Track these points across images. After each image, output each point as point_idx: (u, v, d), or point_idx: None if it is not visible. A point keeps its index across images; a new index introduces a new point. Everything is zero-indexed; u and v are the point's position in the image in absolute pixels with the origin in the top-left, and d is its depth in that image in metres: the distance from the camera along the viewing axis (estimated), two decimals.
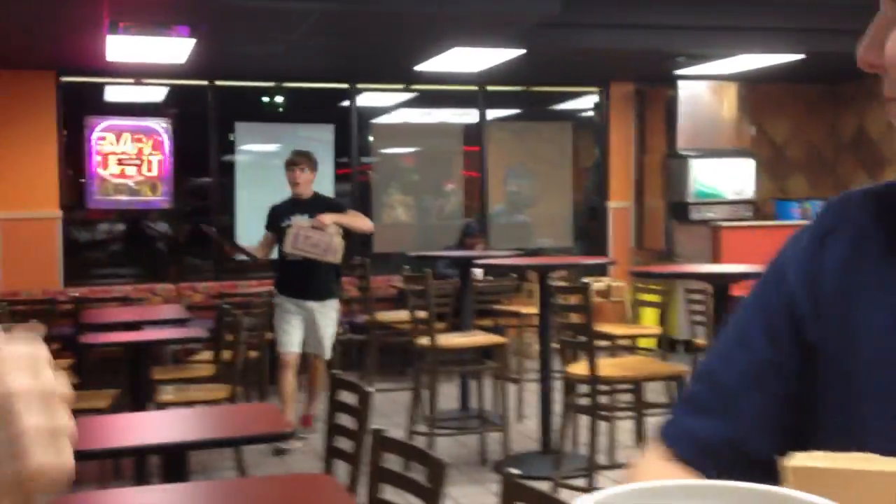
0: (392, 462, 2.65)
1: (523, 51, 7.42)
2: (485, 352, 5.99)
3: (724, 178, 8.90)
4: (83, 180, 8.29)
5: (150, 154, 8.33)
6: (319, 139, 9.12)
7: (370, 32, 6.97)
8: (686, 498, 0.59)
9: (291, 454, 5.46)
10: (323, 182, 9.01)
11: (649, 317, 7.59)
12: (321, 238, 5.63)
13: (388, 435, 2.67)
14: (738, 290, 4.54)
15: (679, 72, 8.69)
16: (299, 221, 5.67)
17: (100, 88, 8.66)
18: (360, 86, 9.10)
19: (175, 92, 8.82)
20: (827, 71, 9.23)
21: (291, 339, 5.77)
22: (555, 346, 5.27)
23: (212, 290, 8.07)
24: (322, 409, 5.08)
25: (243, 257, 6.38)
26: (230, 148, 8.94)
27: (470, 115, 9.72)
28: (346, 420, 3.15)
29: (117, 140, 8.26)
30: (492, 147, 9.53)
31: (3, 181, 7.89)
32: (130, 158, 8.28)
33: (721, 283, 4.21)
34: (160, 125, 8.41)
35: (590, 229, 9.97)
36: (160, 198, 8.37)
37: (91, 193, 8.24)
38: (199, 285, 8.25)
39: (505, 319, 7.01)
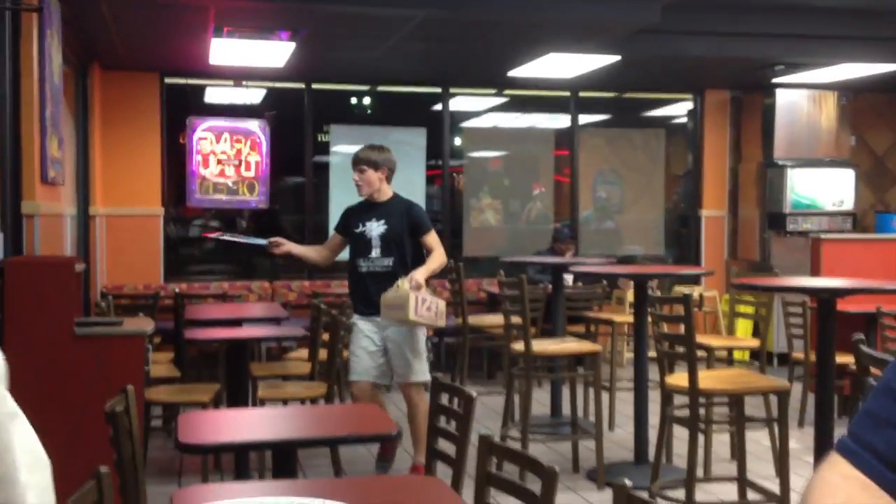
0: (495, 467, 2.67)
1: (618, 57, 7.38)
2: (576, 358, 5.98)
3: (823, 188, 8.70)
4: (184, 179, 8.53)
5: (248, 155, 8.53)
6: (411, 142, 9.22)
7: (467, 38, 7.02)
8: None
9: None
10: (415, 184, 9.12)
11: (742, 328, 7.47)
12: (432, 300, 4.89)
13: (496, 441, 2.69)
14: (844, 305, 4.45)
15: (777, 80, 8.53)
16: (406, 288, 4.78)
17: (201, 90, 8.91)
18: (452, 90, 9.17)
19: (272, 94, 9.02)
20: None
21: (362, 365, 5.01)
22: (650, 355, 5.24)
23: (305, 289, 8.23)
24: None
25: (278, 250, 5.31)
26: (324, 149, 9.10)
27: (561, 120, 9.70)
28: (441, 422, 3.18)
29: (217, 140, 8.48)
30: (583, 153, 9.49)
31: (110, 179, 8.17)
32: (229, 158, 8.49)
33: (828, 298, 4.12)
34: (258, 126, 8.60)
35: (681, 237, 9.85)
36: (257, 198, 8.56)
37: (191, 192, 8.47)
38: (293, 283, 8.41)
39: (596, 326, 6.97)
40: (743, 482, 4.20)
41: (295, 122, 8.84)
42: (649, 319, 5.05)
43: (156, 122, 8.37)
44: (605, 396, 6.10)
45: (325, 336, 5.42)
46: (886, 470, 0.87)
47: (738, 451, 4.25)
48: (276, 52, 7.13)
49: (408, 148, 9.23)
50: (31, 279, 4.17)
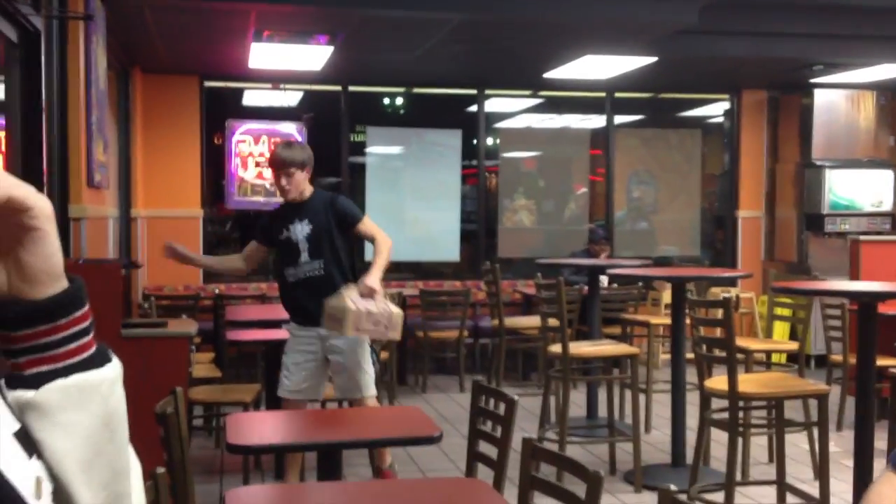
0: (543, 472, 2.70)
1: (655, 58, 7.37)
2: (611, 360, 5.99)
3: (862, 189, 8.63)
4: (223, 181, 8.64)
5: None
6: (447, 144, 9.27)
7: (503, 40, 7.05)
8: None
9: (422, 458, 5.57)
10: (449, 185, 9.17)
11: (779, 330, 7.43)
12: (380, 311, 4.19)
13: (539, 444, 2.72)
14: (883, 308, 4.42)
15: (815, 80, 8.48)
16: (352, 296, 4.19)
17: (240, 93, 9.02)
18: (488, 92, 9.20)
19: (309, 96, 9.10)
20: None
21: (294, 382, 4.43)
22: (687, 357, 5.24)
23: None
24: (391, 459, 4.64)
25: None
26: (360, 150, 9.17)
27: (596, 121, 9.70)
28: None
29: (255, 142, 8.57)
30: (618, 153, 9.48)
31: (151, 181, 8.30)
32: (266, 161, 8.58)
33: (869, 302, 4.11)
34: (295, 128, 8.69)
35: (717, 239, 9.81)
36: None
37: (230, 194, 8.58)
38: None
39: (632, 328, 6.98)
40: (782, 486, 4.20)
41: (331, 124, 8.92)
42: (687, 322, 5.06)
43: (195, 125, 8.48)
44: (640, 398, 6.10)
45: None
46: None
47: (778, 455, 4.25)
48: (314, 56, 7.20)
49: (442, 149, 9.28)
50: None
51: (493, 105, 9.48)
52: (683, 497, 2.00)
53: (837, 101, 8.79)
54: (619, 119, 9.56)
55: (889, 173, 8.75)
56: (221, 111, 8.70)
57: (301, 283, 4.44)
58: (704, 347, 4.52)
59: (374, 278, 4.27)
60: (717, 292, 7.48)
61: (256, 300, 7.54)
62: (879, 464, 4.19)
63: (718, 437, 5.23)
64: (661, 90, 9.54)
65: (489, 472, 3.13)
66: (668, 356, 6.47)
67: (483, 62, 8.08)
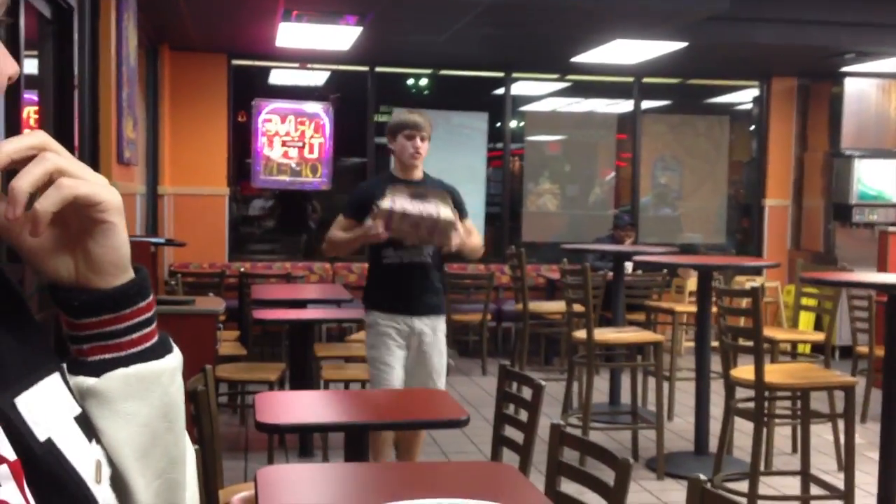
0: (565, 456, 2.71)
1: (685, 44, 7.31)
2: (635, 347, 5.98)
3: (891, 180, 8.54)
4: (249, 160, 8.67)
5: (312, 137, 8.63)
6: (473, 126, 9.25)
7: (533, 23, 7.01)
8: None
9: (444, 441, 5.59)
10: (476, 168, 9.15)
11: (804, 320, 7.39)
12: (421, 213, 3.72)
13: (567, 430, 2.73)
14: None
15: (846, 69, 8.38)
16: (396, 194, 3.78)
17: (267, 72, 9.03)
18: (515, 75, 9.16)
19: (336, 76, 9.10)
20: None
21: (396, 375, 4.05)
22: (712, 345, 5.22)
23: (366, 271, 8.31)
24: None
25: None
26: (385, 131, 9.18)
27: (622, 105, 9.65)
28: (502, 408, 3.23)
29: (282, 122, 8.59)
30: (645, 139, 9.43)
31: (178, 158, 8.34)
32: (293, 140, 8.60)
33: None
34: (322, 108, 8.69)
35: (743, 227, 9.76)
36: (320, 179, 8.66)
37: (256, 173, 8.61)
38: (353, 265, 8.51)
39: (656, 315, 6.96)
40: (806, 476, 4.19)
41: (358, 105, 8.92)
42: (713, 310, 5.04)
43: (223, 104, 8.50)
44: (664, 386, 6.09)
45: None
46: None
47: (803, 446, 4.24)
48: (342, 36, 7.19)
49: (469, 131, 9.26)
50: None
51: (519, 88, 9.45)
52: (708, 486, 1.99)
53: (868, 90, 8.70)
54: (647, 104, 9.50)
55: None
56: (248, 90, 8.72)
57: (402, 268, 4.04)
58: (730, 336, 4.51)
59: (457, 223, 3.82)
60: (743, 281, 7.44)
61: (282, 279, 7.57)
62: None
63: (742, 427, 5.23)
64: (690, 76, 9.47)
65: (513, 457, 3.14)
66: (691, 344, 6.46)
67: (511, 45, 8.05)
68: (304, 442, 5.20)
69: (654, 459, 5.02)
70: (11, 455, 0.64)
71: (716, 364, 5.23)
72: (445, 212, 3.77)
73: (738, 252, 9.49)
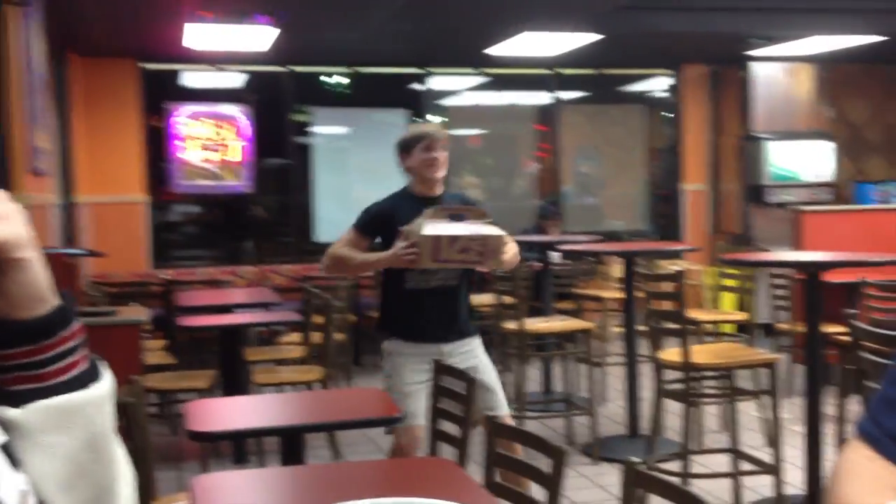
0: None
1: (598, 35, 7.41)
2: (564, 335, 6.05)
3: (802, 160, 8.80)
4: (166, 165, 8.51)
5: (231, 140, 8.51)
6: (392, 123, 9.23)
7: (447, 17, 7.03)
8: None
9: (382, 438, 5.57)
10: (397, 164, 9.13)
11: (727, 301, 7.57)
12: (469, 234, 3.41)
13: (502, 421, 2.75)
14: (827, 276, 4.53)
15: (753, 53, 8.60)
16: (433, 218, 3.45)
17: (181, 75, 8.87)
18: (432, 70, 9.18)
19: (254, 78, 8.99)
20: None
21: (413, 403, 3.63)
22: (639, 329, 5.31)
23: (294, 273, 8.25)
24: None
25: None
26: (306, 132, 9.10)
27: (541, 97, 9.74)
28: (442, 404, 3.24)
29: (199, 126, 8.45)
30: (564, 130, 9.54)
31: (92, 167, 8.14)
32: (212, 144, 8.47)
33: (814, 272, 4.21)
34: (239, 111, 8.58)
35: (663, 212, 9.95)
36: (241, 182, 8.55)
37: (174, 178, 8.45)
38: (281, 268, 8.43)
39: (584, 303, 7.05)
40: (736, 453, 4.29)
41: (276, 105, 8.83)
42: (639, 295, 5.13)
43: (135, 109, 8.33)
44: (595, 372, 6.18)
45: (318, 319, 5.45)
46: None
47: (731, 424, 4.34)
48: (258, 36, 7.10)
49: (389, 128, 9.24)
50: None
51: (437, 83, 9.47)
52: (643, 468, 2.03)
53: (776, 74, 8.94)
54: (565, 96, 9.61)
55: (828, 144, 8.94)
56: (162, 93, 8.55)
57: (427, 293, 3.71)
58: (656, 320, 4.59)
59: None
60: (665, 265, 7.58)
61: (208, 285, 7.46)
62: (829, 429, 4.31)
63: (672, 408, 5.33)
64: (606, 66, 9.61)
65: (450, 451, 3.15)
66: (619, 329, 6.56)
67: (427, 40, 8.06)
68: (238, 448, 5.13)
69: (588, 445, 5.10)
70: None
71: (644, 348, 5.33)
72: (491, 228, 3.48)
73: (660, 237, 9.68)
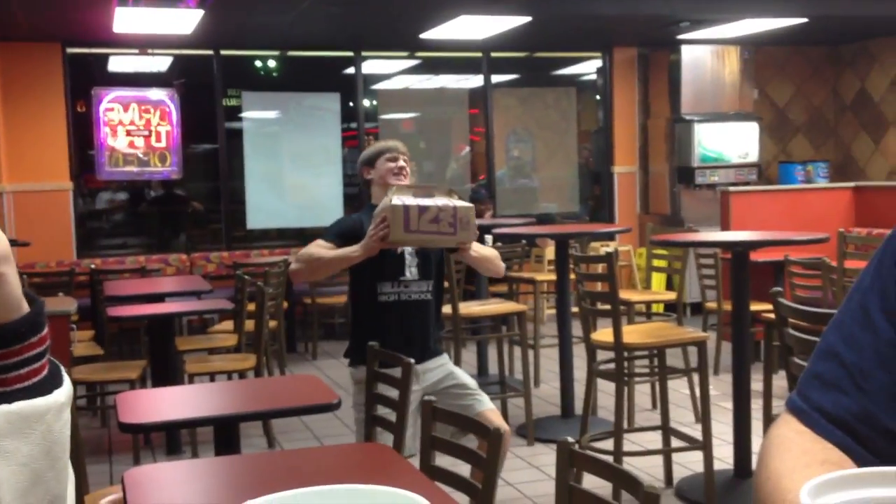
0: (440, 431, 2.74)
1: (529, 18, 7.44)
2: (499, 318, 6.09)
3: (729, 141, 8.97)
4: (92, 152, 8.31)
5: (158, 125, 8.35)
6: (325, 107, 9.16)
7: (382, 1, 6.98)
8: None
9: (316, 426, 5.55)
10: (330, 150, 9.07)
11: (657, 281, 7.70)
12: (442, 206, 3.33)
13: (438, 406, 2.76)
14: (753, 255, 4.64)
15: (682, 36, 8.72)
16: (400, 195, 3.37)
17: (106, 59, 8.66)
18: (365, 54, 9.11)
19: (181, 61, 8.82)
20: (829, 33, 9.29)
21: (406, 435, 3.18)
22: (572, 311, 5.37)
23: (225, 260, 8.15)
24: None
25: None
26: (236, 117, 8.98)
27: (473, 81, 9.75)
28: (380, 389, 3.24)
29: (125, 110, 8.27)
30: (497, 113, 9.57)
31: (14, 154, 7.91)
32: (138, 129, 8.30)
33: (742, 251, 4.30)
34: (167, 95, 8.41)
35: (595, 194, 10.06)
36: (169, 168, 8.40)
37: (100, 165, 8.27)
38: (211, 255, 8.31)
39: (517, 285, 7.09)
40: (667, 430, 4.37)
41: (204, 90, 8.68)
42: (571, 277, 5.18)
43: (60, 94, 8.11)
44: (529, 354, 6.23)
45: (250, 307, 5.40)
46: (836, 428, 0.94)
47: (662, 401, 4.42)
48: (183, 19, 6.97)
49: (322, 113, 9.17)
50: None
51: (370, 67, 9.41)
52: (576, 447, 2.06)
53: (703, 56, 9.08)
54: (496, 79, 9.64)
55: (754, 125, 9.12)
56: (87, 79, 8.35)
57: (401, 306, 3.56)
58: (589, 301, 4.65)
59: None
60: (597, 247, 7.68)
61: (136, 273, 7.32)
62: (756, 404, 4.42)
63: (604, 388, 5.41)
64: (536, 49, 9.66)
65: (387, 436, 3.15)
66: (553, 311, 6.62)
67: (359, 23, 7.99)
68: (171, 439, 5.06)
69: (523, 426, 5.14)
70: None
71: (577, 329, 5.39)
72: (460, 202, 3.39)
73: (592, 219, 9.79)
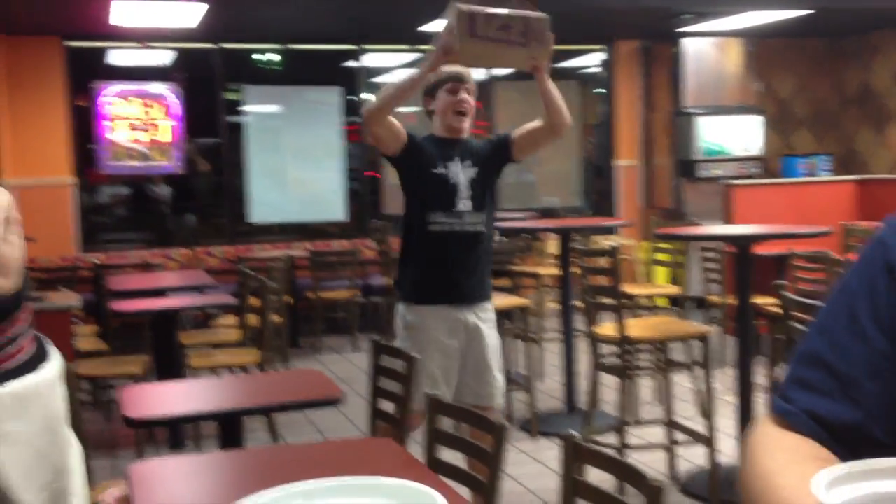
0: (445, 425, 2.74)
1: None
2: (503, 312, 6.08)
3: (732, 135, 8.95)
4: (94, 146, 8.31)
5: (160, 119, 8.34)
6: (327, 101, 9.15)
7: None
8: None
9: (320, 420, 5.56)
10: (332, 143, 9.06)
11: (660, 275, 7.69)
12: (512, 14, 3.04)
13: (443, 400, 2.76)
14: (757, 249, 4.63)
15: (684, 29, 8.70)
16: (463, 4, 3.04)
17: (107, 53, 8.65)
18: (366, 47, 9.10)
19: (182, 55, 8.81)
20: (832, 26, 9.26)
21: (441, 392, 3.29)
22: (576, 305, 5.37)
23: (228, 255, 8.14)
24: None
25: None
26: (238, 111, 8.97)
27: (474, 73, 9.71)
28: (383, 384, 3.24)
29: (127, 105, 8.26)
30: (499, 106, 9.55)
31: (16, 148, 7.91)
32: (140, 123, 8.29)
33: (745, 245, 4.29)
34: (168, 89, 8.41)
35: (597, 188, 10.04)
36: (172, 163, 8.40)
37: (102, 159, 8.26)
38: (214, 250, 8.31)
39: (520, 279, 7.09)
40: (670, 424, 4.37)
41: (207, 84, 8.67)
42: (575, 271, 5.17)
43: (60, 88, 8.11)
44: (533, 349, 6.23)
45: (253, 302, 5.40)
46: (823, 431, 0.91)
47: (665, 396, 4.42)
48: (187, 13, 6.96)
49: (323, 106, 9.16)
50: None
51: (371, 60, 9.40)
52: (581, 441, 2.06)
53: (706, 49, 9.06)
54: (498, 72, 9.62)
55: (757, 118, 9.10)
56: (88, 72, 8.34)
57: (456, 238, 3.37)
58: (592, 295, 4.64)
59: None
60: (600, 240, 7.67)
61: (139, 269, 7.32)
62: (760, 399, 4.42)
63: (608, 382, 5.40)
64: None
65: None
66: (556, 305, 6.62)
67: (360, 16, 7.98)
68: (174, 434, 5.07)
69: (527, 420, 5.14)
70: None
71: (580, 323, 5.39)
72: (534, 12, 3.06)
73: (594, 213, 9.78)
